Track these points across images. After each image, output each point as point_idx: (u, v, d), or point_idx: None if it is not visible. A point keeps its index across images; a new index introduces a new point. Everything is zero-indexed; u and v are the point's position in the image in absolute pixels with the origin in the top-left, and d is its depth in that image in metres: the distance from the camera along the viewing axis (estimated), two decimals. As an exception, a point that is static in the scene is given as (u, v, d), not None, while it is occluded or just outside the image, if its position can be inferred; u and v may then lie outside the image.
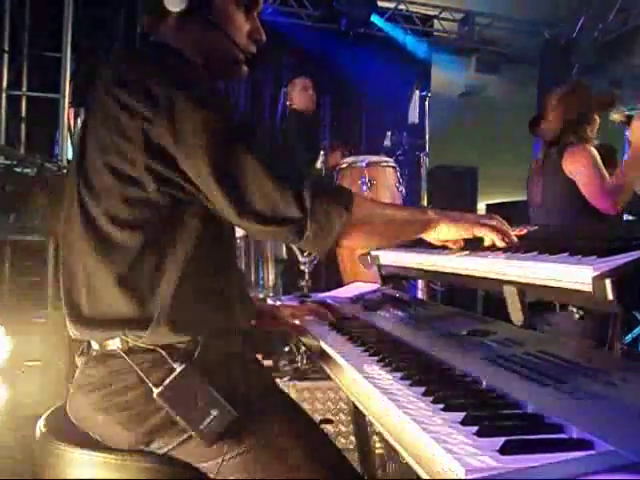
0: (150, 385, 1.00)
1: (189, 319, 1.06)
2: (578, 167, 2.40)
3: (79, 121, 3.58)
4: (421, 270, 1.42)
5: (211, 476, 1.04)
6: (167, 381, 0.99)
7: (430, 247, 1.29)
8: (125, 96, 1.03)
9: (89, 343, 1.10)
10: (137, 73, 1.06)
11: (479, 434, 0.65)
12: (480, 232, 1.16)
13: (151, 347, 1.03)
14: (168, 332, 1.04)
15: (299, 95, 4.43)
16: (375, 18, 6.36)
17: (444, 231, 1.16)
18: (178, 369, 1.01)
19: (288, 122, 4.50)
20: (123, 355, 1.03)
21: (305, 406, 2.75)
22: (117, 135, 1.03)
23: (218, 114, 1.04)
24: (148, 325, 1.03)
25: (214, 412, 0.99)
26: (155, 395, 0.99)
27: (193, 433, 0.99)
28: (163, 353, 1.03)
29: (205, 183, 1.01)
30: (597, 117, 2.54)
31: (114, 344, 1.05)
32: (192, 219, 1.07)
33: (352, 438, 2.49)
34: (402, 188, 3.84)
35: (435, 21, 6.81)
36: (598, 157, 2.41)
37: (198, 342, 1.06)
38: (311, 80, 4.51)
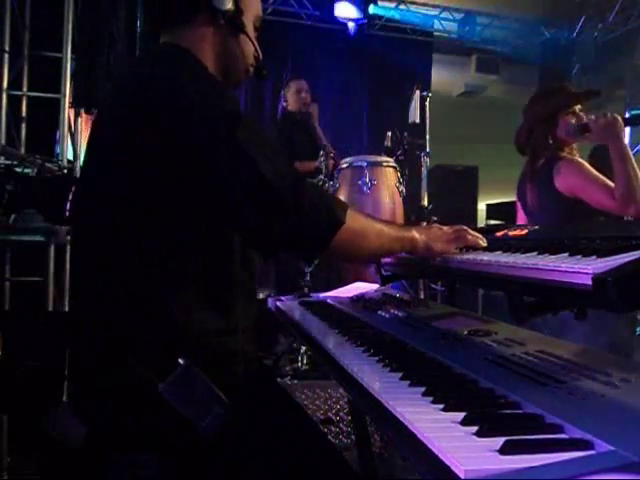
0: (154, 380, 1.00)
1: (192, 316, 1.06)
2: (575, 183, 2.21)
3: (79, 121, 3.58)
4: (422, 268, 1.42)
5: (210, 473, 1.04)
6: (171, 376, 1.00)
7: None
8: (149, 105, 1.05)
9: (91, 339, 1.10)
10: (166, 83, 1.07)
11: (479, 434, 0.65)
12: (459, 243, 1.25)
13: (155, 343, 1.04)
14: (171, 328, 1.04)
15: (292, 97, 4.63)
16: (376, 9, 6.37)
17: (426, 249, 1.23)
18: (182, 365, 1.01)
19: (283, 123, 4.60)
20: (127, 350, 1.03)
21: (305, 405, 2.75)
22: (134, 142, 1.05)
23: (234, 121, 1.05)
24: (152, 321, 1.04)
25: (216, 409, 1.00)
26: (159, 390, 0.99)
27: (195, 429, 0.99)
28: (167, 349, 1.03)
29: (208, 183, 1.03)
30: (573, 113, 2.34)
31: (118, 340, 1.05)
32: (197, 218, 1.08)
33: (352, 437, 2.49)
34: (402, 188, 3.83)
35: (435, 21, 6.81)
36: (588, 166, 2.23)
37: (201, 339, 1.07)
38: (306, 82, 4.66)
